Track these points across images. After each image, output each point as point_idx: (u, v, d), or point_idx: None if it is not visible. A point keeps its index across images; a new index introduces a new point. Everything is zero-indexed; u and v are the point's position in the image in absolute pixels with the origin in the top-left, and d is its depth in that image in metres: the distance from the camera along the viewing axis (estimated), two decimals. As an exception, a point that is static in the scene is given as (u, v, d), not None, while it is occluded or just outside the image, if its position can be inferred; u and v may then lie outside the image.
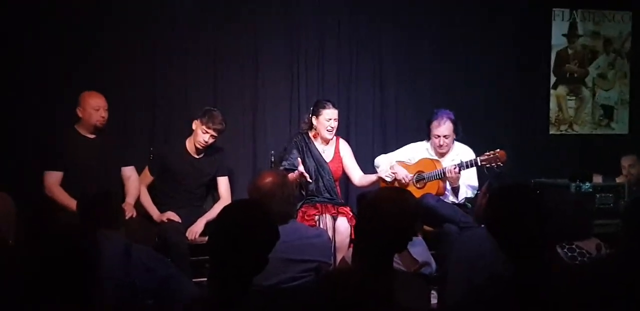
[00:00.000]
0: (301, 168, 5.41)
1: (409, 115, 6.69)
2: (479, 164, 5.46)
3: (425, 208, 5.22)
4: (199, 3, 6.12)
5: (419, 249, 3.89)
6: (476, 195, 5.51)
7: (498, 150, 5.42)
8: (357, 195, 6.05)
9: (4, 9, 5.59)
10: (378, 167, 5.89)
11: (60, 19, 5.73)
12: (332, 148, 5.80)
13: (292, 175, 5.26)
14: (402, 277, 3.00)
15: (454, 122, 5.71)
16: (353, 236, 5.17)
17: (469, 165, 5.49)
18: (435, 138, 5.71)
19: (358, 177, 5.83)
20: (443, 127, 5.67)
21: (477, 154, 5.59)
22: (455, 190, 5.67)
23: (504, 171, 5.36)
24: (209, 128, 5.27)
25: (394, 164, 5.78)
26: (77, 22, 5.77)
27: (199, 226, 5.22)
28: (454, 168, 5.47)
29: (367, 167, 6.02)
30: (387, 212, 2.87)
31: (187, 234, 5.17)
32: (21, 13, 5.63)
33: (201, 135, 5.30)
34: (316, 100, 5.88)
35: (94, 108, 5.16)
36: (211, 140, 5.34)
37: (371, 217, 2.89)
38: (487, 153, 5.44)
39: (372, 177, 5.74)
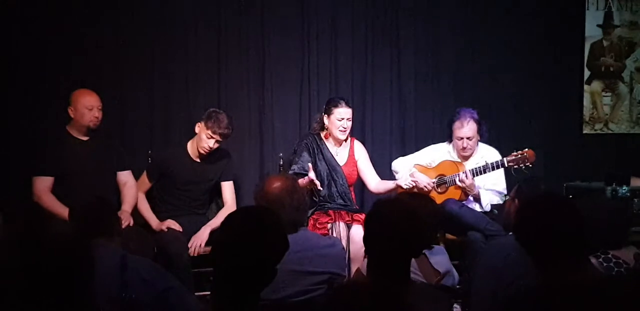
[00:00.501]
0: (312, 174, 5.39)
1: (429, 114, 6.68)
2: (506, 165, 5.45)
3: (447, 215, 5.21)
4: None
5: (439, 258, 3.89)
6: (504, 201, 5.49)
7: (526, 149, 5.41)
8: (374, 201, 6.03)
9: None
10: (397, 173, 5.88)
11: (52, 13, 5.76)
12: (346, 151, 5.79)
13: (302, 181, 5.25)
14: (421, 289, 3.01)
15: (478, 123, 5.68)
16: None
17: (494, 166, 5.47)
18: (458, 140, 5.69)
19: (374, 182, 5.81)
20: (466, 128, 5.65)
21: (505, 155, 5.57)
22: (477, 198, 5.66)
23: (534, 174, 5.35)
24: (214, 133, 5.26)
25: (414, 171, 5.76)
26: (70, 16, 5.81)
27: (203, 235, 5.22)
28: (466, 177, 5.46)
29: (384, 171, 6.02)
30: (395, 217, 2.88)
31: (190, 244, 5.17)
32: (10, 7, 5.66)
33: (205, 140, 5.29)
34: (328, 98, 5.87)
35: (87, 107, 5.17)
36: (216, 146, 5.34)
37: (377, 223, 2.91)
38: (515, 153, 5.43)
39: (389, 185, 5.70)
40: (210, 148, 5.32)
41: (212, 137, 5.28)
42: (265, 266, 2.49)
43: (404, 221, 2.88)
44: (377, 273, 2.86)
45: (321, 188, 5.47)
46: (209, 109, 5.40)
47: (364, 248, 5.14)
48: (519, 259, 3.11)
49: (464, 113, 5.69)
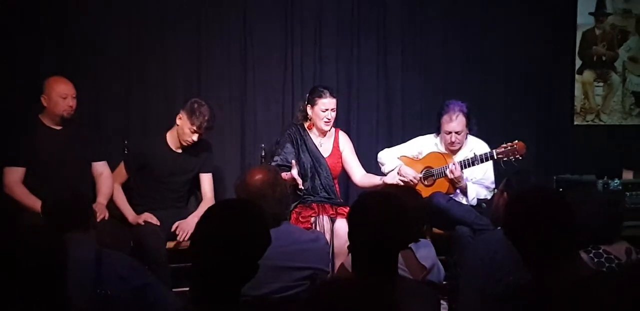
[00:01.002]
0: (294, 171, 5.36)
1: (417, 104, 6.69)
2: (495, 158, 5.45)
3: (434, 208, 5.22)
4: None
5: (425, 252, 3.90)
6: (493, 195, 5.51)
7: (516, 141, 5.41)
8: (359, 194, 6.04)
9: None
10: (383, 165, 5.88)
11: (29, 3, 5.72)
12: (330, 142, 5.78)
13: (285, 175, 5.24)
14: (409, 285, 3.00)
15: (467, 116, 5.67)
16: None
17: (483, 158, 5.48)
18: (447, 134, 5.67)
19: (359, 175, 5.81)
20: (455, 123, 5.63)
21: (494, 147, 5.58)
22: (463, 191, 5.67)
23: (523, 167, 5.36)
24: (199, 127, 5.24)
25: (400, 165, 5.75)
26: (44, 4, 5.77)
27: (190, 224, 5.12)
28: (455, 168, 5.47)
29: (370, 162, 6.02)
30: (380, 210, 2.88)
31: (177, 232, 5.15)
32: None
33: (189, 134, 5.27)
34: (312, 87, 5.85)
35: (61, 96, 5.14)
36: (198, 138, 5.34)
37: (362, 215, 2.91)
38: (504, 145, 5.44)
39: (375, 180, 5.66)
40: (193, 141, 5.31)
41: (195, 132, 5.26)
42: (247, 261, 2.49)
43: (389, 213, 2.88)
44: (362, 268, 2.86)
45: (302, 187, 5.44)
46: (190, 99, 5.37)
47: (348, 243, 5.21)
48: (508, 255, 3.12)
49: (453, 107, 5.66)
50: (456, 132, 5.64)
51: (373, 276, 2.76)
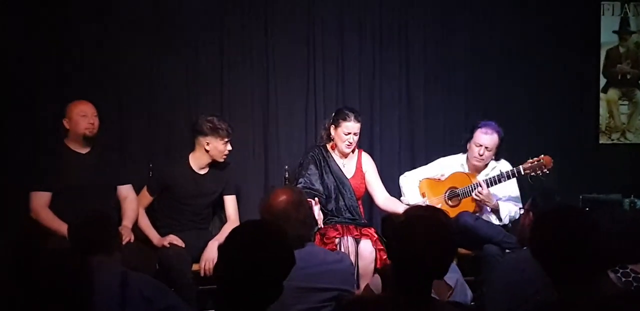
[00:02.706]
0: (316, 209, 5.26)
1: (440, 124, 6.67)
2: (522, 173, 5.43)
3: (462, 228, 5.20)
4: (205, 2, 6.14)
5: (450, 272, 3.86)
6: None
7: (542, 155, 5.39)
8: (382, 216, 6.03)
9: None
10: (404, 195, 5.88)
11: (47, 24, 5.76)
12: (354, 163, 5.79)
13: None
14: (439, 307, 2.97)
15: (500, 138, 5.68)
16: (379, 262, 5.17)
17: (510, 175, 5.46)
18: (477, 146, 5.66)
19: (382, 198, 5.81)
20: (489, 137, 5.64)
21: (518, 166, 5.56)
22: (495, 210, 5.64)
23: (549, 185, 5.33)
24: (228, 136, 5.35)
25: (425, 200, 5.74)
26: (68, 26, 5.82)
27: (212, 252, 5.11)
28: (482, 188, 5.45)
29: (393, 183, 6.01)
30: (425, 240, 2.82)
31: (201, 262, 5.15)
32: (7, 19, 5.67)
33: (223, 148, 5.37)
34: (338, 108, 5.86)
35: (81, 114, 5.19)
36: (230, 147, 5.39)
37: (405, 243, 2.85)
38: (530, 160, 5.42)
39: (399, 208, 5.54)
40: (229, 151, 5.40)
41: (226, 142, 5.35)
42: (271, 282, 2.49)
43: (437, 235, 2.83)
44: (400, 289, 2.80)
45: (322, 226, 5.38)
46: (197, 123, 5.41)
47: (372, 264, 5.18)
48: (535, 274, 3.10)
49: (492, 125, 5.69)
50: (487, 147, 5.64)
51: (410, 297, 2.73)
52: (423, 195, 5.81)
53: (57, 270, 2.51)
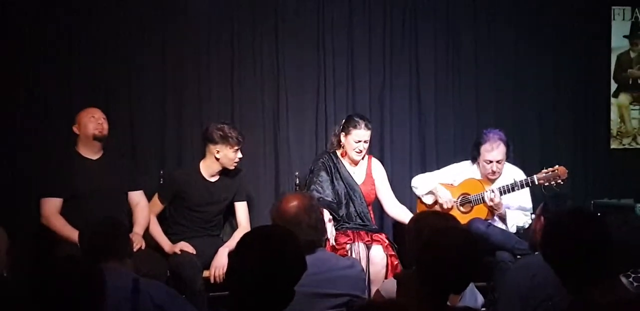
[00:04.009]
0: (329, 227, 5.17)
1: (451, 130, 6.66)
2: (536, 183, 5.42)
3: (474, 235, 5.18)
4: (214, 7, 6.15)
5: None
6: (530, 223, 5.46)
7: (557, 166, 5.39)
8: (393, 221, 6.02)
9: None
10: (416, 188, 5.86)
11: (59, 30, 5.78)
12: (364, 169, 5.79)
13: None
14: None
15: (507, 145, 5.66)
16: (390, 268, 5.17)
17: (524, 184, 5.46)
18: (487, 164, 5.65)
19: (391, 205, 5.82)
20: (496, 152, 5.62)
21: (530, 172, 5.55)
22: (502, 218, 5.64)
23: (560, 191, 5.33)
24: (239, 143, 5.34)
25: (437, 187, 5.74)
26: (77, 33, 5.83)
27: (222, 260, 5.13)
28: (495, 195, 5.44)
29: (404, 190, 6.01)
30: (458, 252, 2.80)
31: (211, 269, 5.15)
32: (16, 25, 5.69)
33: (233, 156, 5.36)
34: (348, 115, 5.85)
35: (89, 116, 5.20)
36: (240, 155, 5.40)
37: (437, 252, 2.83)
38: (545, 170, 5.41)
39: (404, 217, 5.56)
40: (240, 159, 5.41)
41: (236, 150, 5.36)
42: (282, 288, 2.49)
43: (471, 251, 2.83)
44: (421, 297, 2.79)
45: (333, 243, 5.32)
46: (207, 131, 5.41)
47: (384, 270, 5.18)
48: (547, 279, 3.10)
49: (493, 136, 5.66)
50: (497, 161, 5.63)
51: (422, 303, 2.73)
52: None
53: (68, 277, 2.52)
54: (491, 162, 5.63)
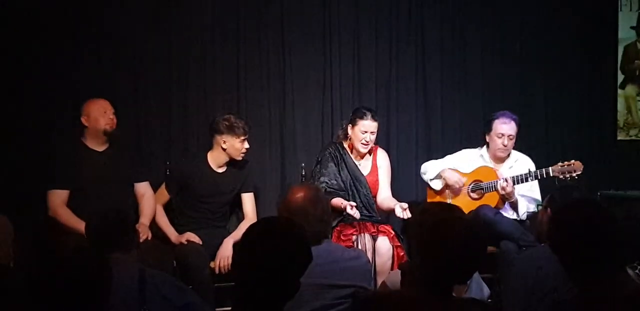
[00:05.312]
0: (355, 211, 5.29)
1: (457, 120, 6.67)
2: (551, 175, 5.43)
3: (481, 221, 5.19)
4: (218, 1, 6.15)
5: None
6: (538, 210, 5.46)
7: (573, 161, 5.40)
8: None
9: (3, 15, 5.63)
10: (424, 173, 5.87)
11: (64, 22, 5.77)
12: (370, 159, 5.78)
13: (336, 202, 5.29)
14: (460, 304, 2.95)
15: (519, 125, 5.71)
16: (396, 259, 5.17)
17: (538, 175, 5.47)
18: (499, 138, 5.68)
19: (383, 195, 5.76)
20: (509, 126, 5.67)
21: (536, 164, 5.55)
22: (514, 205, 5.64)
23: (568, 183, 5.33)
24: (245, 134, 5.34)
25: (445, 170, 5.75)
26: (82, 24, 5.82)
27: (227, 250, 5.15)
28: (507, 184, 5.44)
29: (410, 179, 6.01)
30: (463, 241, 2.79)
31: (216, 260, 5.16)
32: (22, 17, 5.67)
33: (240, 146, 5.37)
34: (355, 108, 5.84)
35: (101, 110, 5.20)
36: (247, 145, 5.40)
37: (441, 243, 2.82)
38: (561, 163, 5.42)
39: (391, 205, 5.54)
40: (247, 149, 5.41)
41: (243, 141, 5.35)
42: (289, 279, 2.49)
43: (477, 241, 2.82)
44: (425, 288, 2.77)
45: (358, 217, 5.33)
46: (214, 122, 5.41)
47: (390, 261, 5.18)
48: (553, 271, 3.09)
49: (507, 114, 5.74)
50: (509, 136, 5.65)
51: (427, 294, 2.72)
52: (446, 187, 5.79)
53: (75, 268, 2.52)
54: (503, 135, 5.67)
